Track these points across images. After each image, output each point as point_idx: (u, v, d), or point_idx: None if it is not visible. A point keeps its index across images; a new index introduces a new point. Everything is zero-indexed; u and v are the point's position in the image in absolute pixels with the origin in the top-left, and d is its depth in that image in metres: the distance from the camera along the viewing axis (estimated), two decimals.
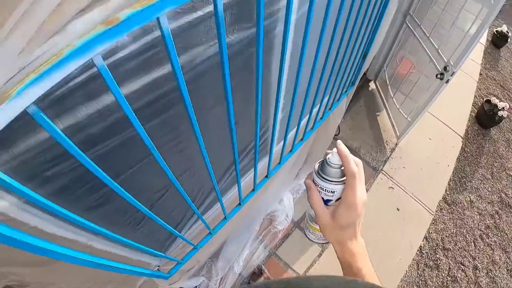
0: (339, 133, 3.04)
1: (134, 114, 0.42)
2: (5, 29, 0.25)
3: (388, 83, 3.03)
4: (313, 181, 0.57)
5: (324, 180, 0.55)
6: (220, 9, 0.42)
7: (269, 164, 1.24)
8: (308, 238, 0.67)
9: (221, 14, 0.43)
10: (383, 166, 2.92)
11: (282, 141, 1.24)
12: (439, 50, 2.29)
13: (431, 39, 2.36)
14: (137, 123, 0.44)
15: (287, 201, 2.70)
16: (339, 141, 0.56)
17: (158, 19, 0.34)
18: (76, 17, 0.28)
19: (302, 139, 1.44)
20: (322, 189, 0.56)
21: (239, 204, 1.27)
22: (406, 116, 2.76)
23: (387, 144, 3.02)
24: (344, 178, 0.54)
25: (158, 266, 1.11)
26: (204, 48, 0.57)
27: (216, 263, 2.37)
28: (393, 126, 3.02)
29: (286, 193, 2.73)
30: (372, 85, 3.28)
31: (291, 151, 1.40)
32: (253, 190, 1.27)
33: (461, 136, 3.28)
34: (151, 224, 0.79)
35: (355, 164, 0.54)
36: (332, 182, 0.55)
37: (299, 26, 0.76)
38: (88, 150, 0.49)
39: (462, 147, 3.20)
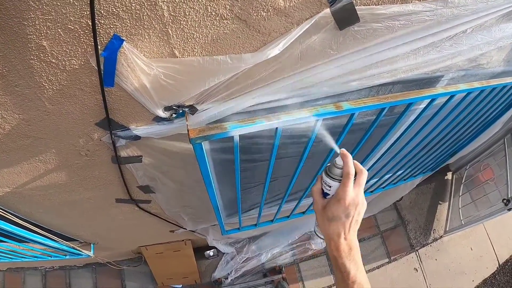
0: (400, 200, 3.34)
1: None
2: None
3: (463, 181, 3.20)
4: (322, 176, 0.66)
5: (326, 175, 0.64)
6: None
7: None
8: (314, 231, 0.78)
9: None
10: (419, 248, 3.16)
11: None
12: None
13: None
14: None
15: None
16: (343, 149, 0.64)
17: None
18: None
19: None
20: (323, 182, 0.65)
21: (287, 217, 1.78)
22: (462, 218, 2.95)
23: (433, 232, 3.23)
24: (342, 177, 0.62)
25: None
26: None
27: (251, 245, 2.97)
28: (447, 220, 3.21)
29: None
30: (449, 176, 3.45)
31: None
32: (303, 212, 1.78)
33: (499, 263, 3.25)
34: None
35: (356, 169, 0.61)
36: (330, 177, 0.63)
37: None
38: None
39: (494, 272, 3.20)
